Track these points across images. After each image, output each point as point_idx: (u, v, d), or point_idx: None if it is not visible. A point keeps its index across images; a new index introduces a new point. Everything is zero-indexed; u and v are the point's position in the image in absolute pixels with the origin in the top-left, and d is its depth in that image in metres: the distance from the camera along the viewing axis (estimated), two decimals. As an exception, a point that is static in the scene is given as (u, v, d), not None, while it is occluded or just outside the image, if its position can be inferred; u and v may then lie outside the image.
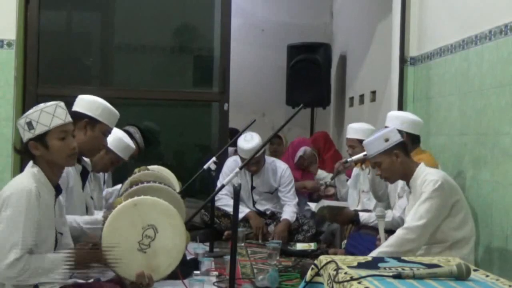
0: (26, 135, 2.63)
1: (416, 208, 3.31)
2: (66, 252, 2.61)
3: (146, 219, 2.79)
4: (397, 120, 4.03)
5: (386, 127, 3.98)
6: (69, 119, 2.72)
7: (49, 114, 2.64)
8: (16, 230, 2.47)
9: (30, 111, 2.66)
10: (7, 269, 2.45)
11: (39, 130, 2.62)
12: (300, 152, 5.82)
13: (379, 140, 3.48)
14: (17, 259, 2.44)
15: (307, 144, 5.94)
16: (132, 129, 4.76)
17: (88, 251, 2.66)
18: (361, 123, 4.89)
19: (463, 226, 3.38)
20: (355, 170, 4.89)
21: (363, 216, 4.43)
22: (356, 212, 4.47)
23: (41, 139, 2.63)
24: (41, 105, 2.67)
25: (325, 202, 4.59)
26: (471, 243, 3.40)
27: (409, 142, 3.93)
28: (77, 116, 3.20)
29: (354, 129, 4.76)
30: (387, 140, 3.46)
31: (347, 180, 5.09)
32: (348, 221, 4.51)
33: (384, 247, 3.28)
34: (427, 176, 3.36)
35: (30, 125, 2.62)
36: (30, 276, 2.48)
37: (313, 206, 4.75)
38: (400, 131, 3.85)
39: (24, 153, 2.69)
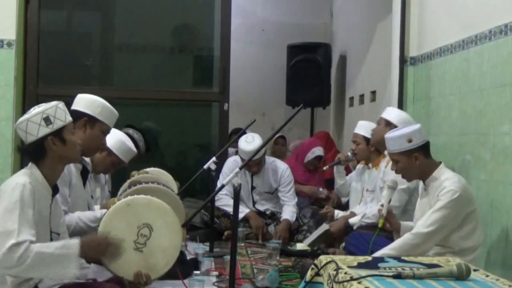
0: (43, 131, 2.61)
1: (429, 214, 3.27)
2: (71, 240, 2.54)
3: (140, 218, 2.79)
4: (395, 116, 4.17)
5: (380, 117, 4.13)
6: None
7: (62, 110, 2.68)
8: (11, 219, 2.42)
9: (42, 108, 2.63)
10: (6, 256, 2.37)
11: (57, 125, 2.63)
12: (317, 152, 5.88)
13: (402, 139, 3.39)
14: (15, 245, 2.37)
15: (318, 145, 5.98)
16: (136, 136, 4.77)
17: (95, 242, 2.61)
18: (372, 123, 4.88)
19: (471, 235, 3.33)
20: (359, 166, 4.90)
21: (353, 221, 4.44)
22: (345, 222, 4.51)
23: (59, 134, 2.64)
24: (51, 103, 2.67)
25: (307, 242, 4.64)
26: (477, 252, 3.36)
27: None
28: (76, 115, 3.20)
29: (363, 126, 4.76)
30: (410, 141, 3.37)
31: (347, 175, 5.11)
32: (341, 232, 4.51)
33: (388, 249, 3.27)
34: (446, 183, 3.29)
35: (48, 120, 2.61)
36: (32, 264, 2.39)
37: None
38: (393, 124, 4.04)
39: (34, 151, 2.64)
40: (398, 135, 3.42)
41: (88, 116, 3.27)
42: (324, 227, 4.55)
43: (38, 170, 2.64)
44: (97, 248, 2.61)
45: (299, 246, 4.69)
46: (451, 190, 3.24)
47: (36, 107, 2.67)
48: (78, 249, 2.50)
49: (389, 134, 3.50)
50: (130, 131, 4.69)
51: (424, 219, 3.28)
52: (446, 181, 3.31)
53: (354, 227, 4.41)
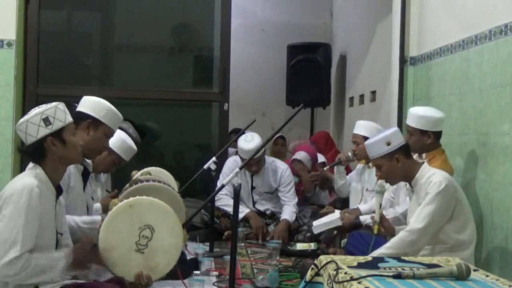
0: (42, 132, 2.61)
1: (420, 210, 3.30)
2: (64, 250, 2.61)
3: (142, 219, 2.79)
4: (422, 120, 3.89)
5: (407, 124, 3.94)
6: None
7: (62, 111, 2.68)
8: (16, 228, 2.46)
9: (42, 109, 2.64)
10: (6, 267, 2.44)
11: (56, 125, 2.64)
12: (297, 156, 5.78)
13: (380, 143, 3.43)
14: (17, 258, 2.44)
15: (306, 149, 5.90)
16: (124, 125, 4.74)
17: (87, 251, 2.65)
18: (370, 122, 4.87)
19: (464, 229, 3.37)
20: (359, 165, 4.90)
21: (363, 218, 4.44)
22: (356, 216, 4.49)
23: (58, 135, 2.64)
24: (51, 104, 2.68)
25: (316, 228, 4.62)
26: (472, 248, 3.39)
27: (434, 140, 3.90)
28: (81, 116, 3.21)
29: (362, 126, 4.75)
30: (388, 144, 3.41)
31: (347, 174, 5.11)
32: (350, 227, 4.51)
33: (385, 248, 3.28)
34: (432, 177, 3.34)
35: (47, 121, 2.62)
36: (29, 275, 2.47)
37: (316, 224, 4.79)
38: (425, 131, 3.85)
39: (34, 152, 2.65)
40: (376, 140, 3.47)
41: (92, 118, 3.27)
42: (338, 222, 4.56)
43: (42, 170, 2.65)
44: (82, 260, 2.65)
45: (299, 246, 4.69)
46: (437, 182, 3.30)
47: (36, 108, 2.68)
48: (63, 261, 2.56)
49: (368, 141, 3.56)
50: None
51: (416, 215, 3.31)
52: (432, 176, 3.35)
53: (363, 224, 4.41)
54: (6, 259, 2.43)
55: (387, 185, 4.31)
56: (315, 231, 4.73)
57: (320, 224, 4.67)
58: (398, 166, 3.42)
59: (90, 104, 3.31)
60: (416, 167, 3.44)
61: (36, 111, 2.64)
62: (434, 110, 4.03)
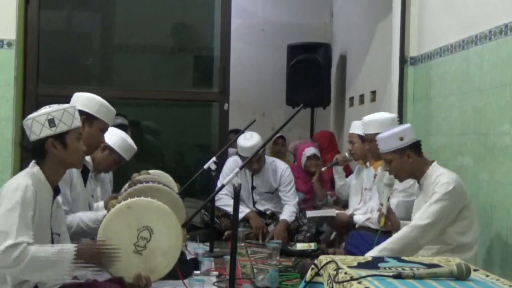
0: (45, 132, 2.61)
1: (425, 208, 3.30)
2: (67, 246, 2.56)
3: (140, 220, 2.79)
4: (377, 123, 4.08)
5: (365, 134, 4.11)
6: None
7: (70, 115, 2.67)
8: (10, 220, 2.42)
9: (50, 109, 2.63)
10: (2, 256, 2.37)
11: (60, 128, 2.63)
12: (308, 152, 5.76)
13: (393, 137, 3.43)
14: (12, 246, 2.37)
15: (308, 146, 5.89)
16: (119, 120, 4.73)
17: (90, 249, 2.62)
18: None
19: (468, 231, 3.36)
20: (358, 166, 4.90)
21: (357, 218, 4.44)
22: (350, 216, 4.50)
23: (61, 137, 2.64)
24: (62, 105, 2.67)
25: (309, 213, 4.65)
26: (474, 249, 3.38)
27: None
28: None
29: (358, 125, 4.75)
30: (401, 139, 3.41)
31: (348, 176, 5.11)
32: (343, 227, 4.52)
33: (387, 243, 3.28)
34: (440, 178, 3.34)
35: (52, 122, 2.61)
36: (28, 267, 2.39)
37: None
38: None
39: (34, 150, 2.65)
40: (389, 135, 3.47)
41: (86, 114, 3.26)
42: (332, 212, 4.62)
43: (40, 170, 2.64)
44: (91, 256, 2.58)
45: (299, 246, 4.69)
46: (445, 183, 3.30)
47: (47, 106, 2.67)
48: (73, 256, 2.49)
49: (381, 135, 3.54)
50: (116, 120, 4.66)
51: (421, 212, 3.32)
52: (440, 176, 3.36)
53: (356, 225, 4.42)
54: (1, 249, 2.37)
55: (376, 192, 4.35)
56: (308, 215, 4.79)
57: (314, 211, 4.77)
58: (408, 162, 3.42)
59: (83, 100, 3.31)
60: (426, 166, 3.45)
61: (44, 110, 2.64)
62: (384, 112, 4.24)
